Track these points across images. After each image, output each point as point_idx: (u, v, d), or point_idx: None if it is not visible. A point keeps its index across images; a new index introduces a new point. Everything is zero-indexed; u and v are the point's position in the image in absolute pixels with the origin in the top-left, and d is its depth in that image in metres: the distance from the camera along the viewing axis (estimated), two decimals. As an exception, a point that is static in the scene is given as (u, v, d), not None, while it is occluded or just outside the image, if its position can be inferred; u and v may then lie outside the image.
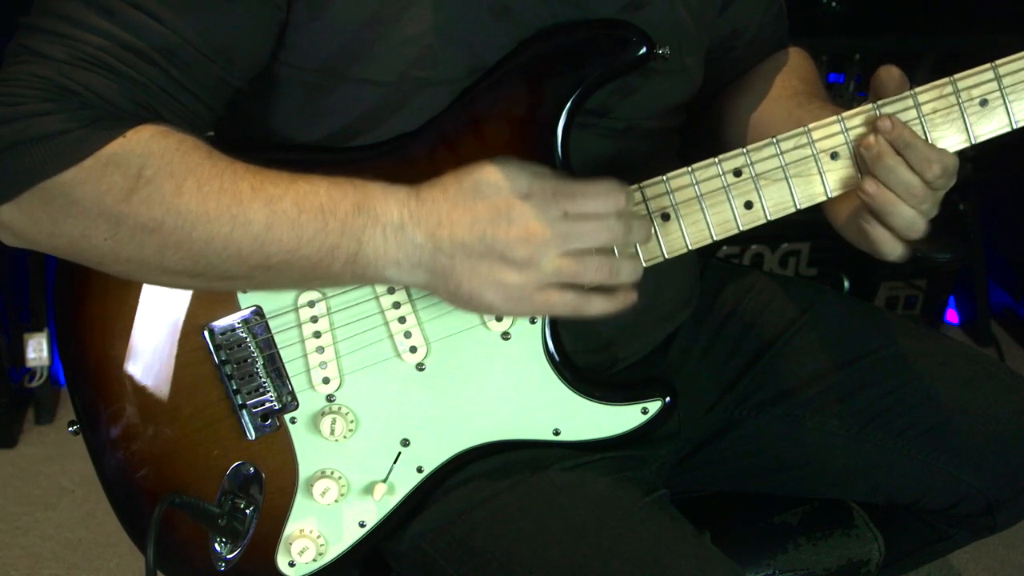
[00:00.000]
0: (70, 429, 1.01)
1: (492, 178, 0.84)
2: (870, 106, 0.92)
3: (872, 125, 0.91)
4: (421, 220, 0.84)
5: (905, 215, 0.91)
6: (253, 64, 0.90)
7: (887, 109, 0.91)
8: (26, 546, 2.01)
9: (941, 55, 2.40)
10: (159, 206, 0.82)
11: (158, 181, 0.82)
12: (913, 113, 0.91)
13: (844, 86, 2.43)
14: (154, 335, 0.96)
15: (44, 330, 2.32)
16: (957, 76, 0.91)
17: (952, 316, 2.79)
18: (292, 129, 0.95)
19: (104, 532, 2.04)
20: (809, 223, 2.49)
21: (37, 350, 2.30)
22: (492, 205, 0.83)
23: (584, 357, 1.01)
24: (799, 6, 2.38)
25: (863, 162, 0.92)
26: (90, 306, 0.96)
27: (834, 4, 2.40)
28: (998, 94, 0.91)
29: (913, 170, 0.90)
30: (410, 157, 0.94)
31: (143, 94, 0.83)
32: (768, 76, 1.15)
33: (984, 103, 0.91)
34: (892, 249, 0.93)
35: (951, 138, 0.92)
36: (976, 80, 0.91)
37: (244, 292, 0.95)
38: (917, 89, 0.91)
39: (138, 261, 0.84)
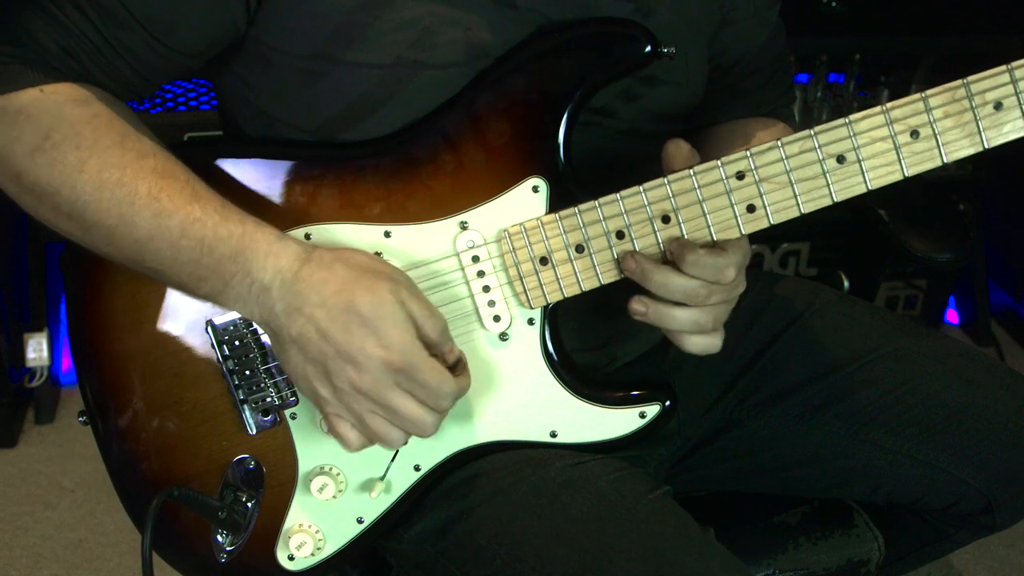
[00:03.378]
0: (80, 419, 1.02)
1: (366, 310, 0.83)
2: (879, 109, 0.87)
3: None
4: (287, 295, 0.85)
5: (681, 319, 0.91)
6: (193, 45, 0.91)
7: (897, 112, 0.87)
8: (26, 546, 2.01)
9: (941, 55, 2.41)
10: (60, 174, 0.85)
11: (64, 148, 0.84)
12: (924, 118, 0.87)
13: (844, 86, 2.43)
14: (160, 329, 0.97)
15: (44, 330, 2.32)
16: (971, 79, 0.86)
17: (952, 316, 2.79)
18: (291, 116, 0.95)
19: (104, 532, 2.04)
20: (809, 223, 2.49)
21: (37, 350, 2.30)
22: (349, 335, 0.83)
23: (582, 355, 1.01)
24: (799, 6, 2.39)
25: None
26: (99, 301, 0.97)
27: (834, 4, 2.41)
28: (1014, 97, 0.86)
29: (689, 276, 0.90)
30: (411, 156, 0.93)
31: (69, 39, 0.86)
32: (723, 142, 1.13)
33: (999, 107, 0.86)
34: (696, 344, 0.94)
35: (962, 145, 0.87)
36: (991, 83, 0.86)
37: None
38: (928, 92, 0.87)
39: (38, 216, 0.89)
